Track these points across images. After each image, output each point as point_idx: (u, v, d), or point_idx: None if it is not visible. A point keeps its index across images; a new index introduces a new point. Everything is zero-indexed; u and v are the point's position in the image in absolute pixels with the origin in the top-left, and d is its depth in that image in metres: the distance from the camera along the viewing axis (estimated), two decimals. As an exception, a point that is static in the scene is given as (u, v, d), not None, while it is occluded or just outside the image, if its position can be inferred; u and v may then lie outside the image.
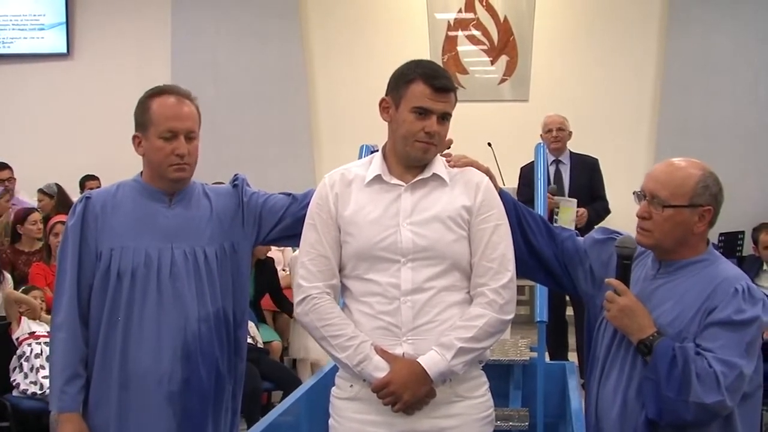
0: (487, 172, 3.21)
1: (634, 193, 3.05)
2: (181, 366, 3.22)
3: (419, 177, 3.05)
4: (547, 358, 5.57)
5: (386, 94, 3.09)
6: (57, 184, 9.61)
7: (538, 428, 4.83)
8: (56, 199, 9.40)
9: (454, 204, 3.03)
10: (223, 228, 3.36)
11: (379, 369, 2.94)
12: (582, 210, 7.45)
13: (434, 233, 2.99)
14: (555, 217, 7.39)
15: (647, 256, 3.09)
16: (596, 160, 7.90)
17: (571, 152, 7.93)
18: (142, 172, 3.36)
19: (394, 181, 3.06)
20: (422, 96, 2.97)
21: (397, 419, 2.98)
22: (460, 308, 3.02)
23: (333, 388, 3.17)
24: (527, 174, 7.68)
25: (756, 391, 2.95)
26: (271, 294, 7.95)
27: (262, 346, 7.24)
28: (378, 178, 3.07)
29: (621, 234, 3.16)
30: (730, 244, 9.10)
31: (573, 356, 7.29)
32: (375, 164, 3.10)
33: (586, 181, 7.76)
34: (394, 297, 2.97)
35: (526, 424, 4.85)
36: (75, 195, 9.37)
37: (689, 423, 2.81)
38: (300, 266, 3.11)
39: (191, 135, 3.25)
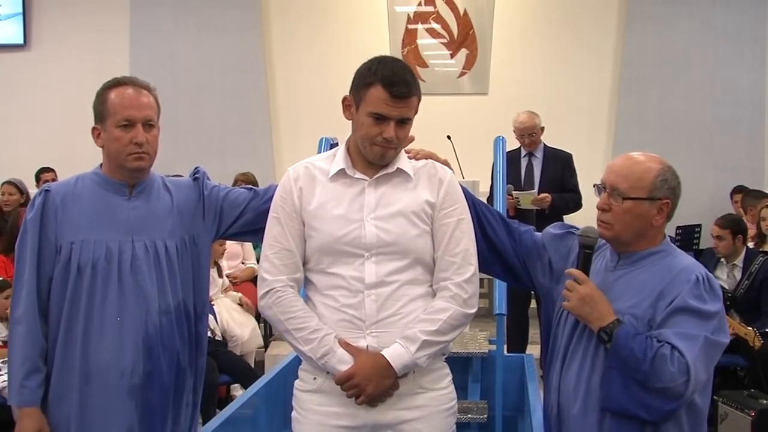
0: (445, 164, 3.24)
1: (594, 186, 3.09)
2: (142, 359, 3.22)
3: (383, 172, 3.07)
4: (505, 351, 5.59)
5: (349, 92, 3.07)
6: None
7: (497, 420, 4.85)
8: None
9: (418, 199, 3.05)
10: (184, 221, 3.37)
11: (343, 362, 2.95)
12: (545, 194, 7.50)
13: (398, 228, 3.00)
14: (518, 207, 7.46)
15: (606, 248, 3.12)
16: (570, 155, 7.91)
17: (545, 146, 7.96)
18: (101, 165, 3.35)
19: (358, 175, 3.07)
20: (379, 101, 2.94)
21: (360, 411, 3.00)
22: (423, 301, 3.04)
23: (296, 381, 3.18)
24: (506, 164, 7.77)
25: (705, 407, 2.97)
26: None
27: (220, 339, 7.22)
28: (342, 173, 3.08)
29: (578, 229, 3.21)
30: (687, 237, 9.21)
31: (534, 349, 7.32)
32: (338, 158, 3.11)
33: (557, 175, 7.78)
34: (358, 290, 2.98)
35: (485, 416, 4.88)
36: (31, 188, 9.29)
37: (652, 410, 2.82)
38: (264, 259, 3.12)
39: (150, 123, 3.26)
